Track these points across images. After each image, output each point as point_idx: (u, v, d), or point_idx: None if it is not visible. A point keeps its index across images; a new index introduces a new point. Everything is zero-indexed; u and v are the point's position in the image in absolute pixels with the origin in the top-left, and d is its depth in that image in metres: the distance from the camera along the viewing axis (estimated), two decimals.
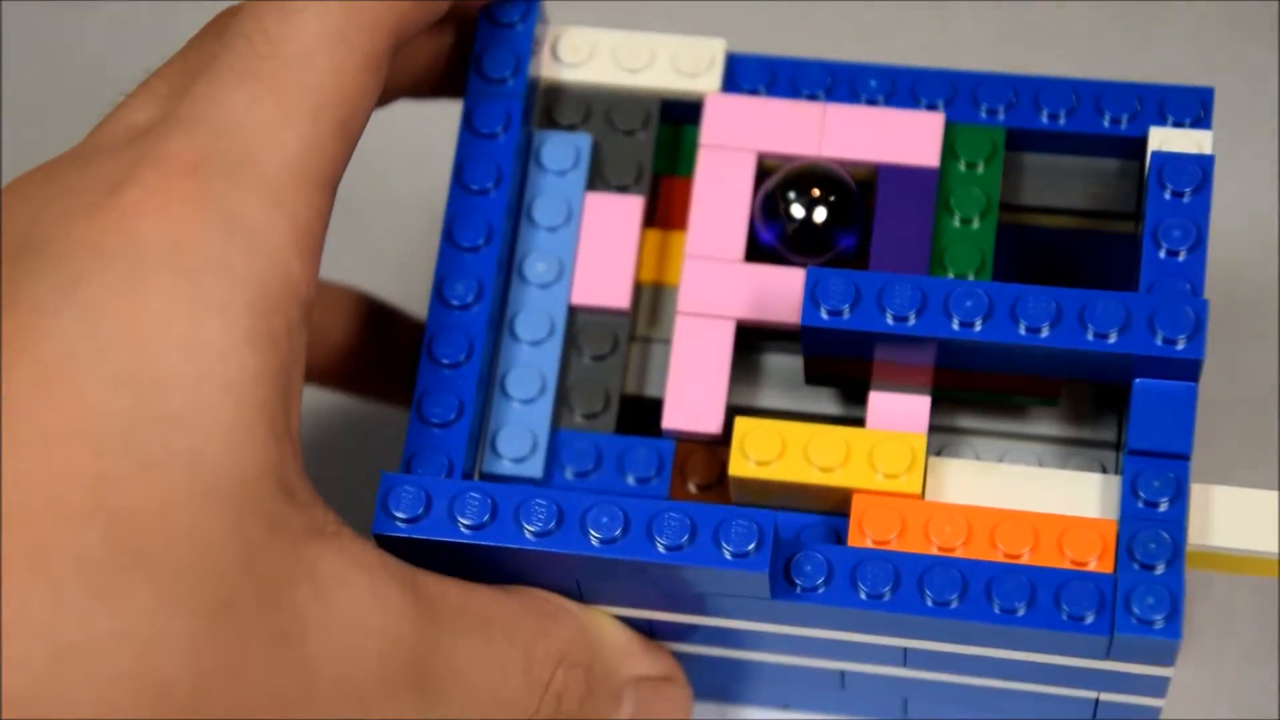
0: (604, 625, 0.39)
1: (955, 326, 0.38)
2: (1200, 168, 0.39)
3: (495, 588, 0.38)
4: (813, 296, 0.38)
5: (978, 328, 0.38)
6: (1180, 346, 0.37)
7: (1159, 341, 0.37)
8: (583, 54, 0.42)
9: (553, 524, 0.37)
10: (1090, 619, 0.37)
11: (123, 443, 0.33)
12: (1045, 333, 0.38)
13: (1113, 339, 0.37)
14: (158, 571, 0.33)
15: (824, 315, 0.38)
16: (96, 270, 0.34)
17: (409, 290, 0.50)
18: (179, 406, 0.33)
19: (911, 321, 0.38)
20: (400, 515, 0.37)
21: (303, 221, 0.36)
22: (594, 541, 0.37)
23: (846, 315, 0.38)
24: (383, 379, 0.47)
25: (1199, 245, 0.39)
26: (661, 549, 0.37)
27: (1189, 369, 0.38)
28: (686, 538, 0.37)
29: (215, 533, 0.33)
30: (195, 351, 0.34)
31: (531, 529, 0.37)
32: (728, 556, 0.37)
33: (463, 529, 0.37)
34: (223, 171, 0.35)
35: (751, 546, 0.37)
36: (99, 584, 0.32)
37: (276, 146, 0.36)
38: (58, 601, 0.32)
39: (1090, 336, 0.37)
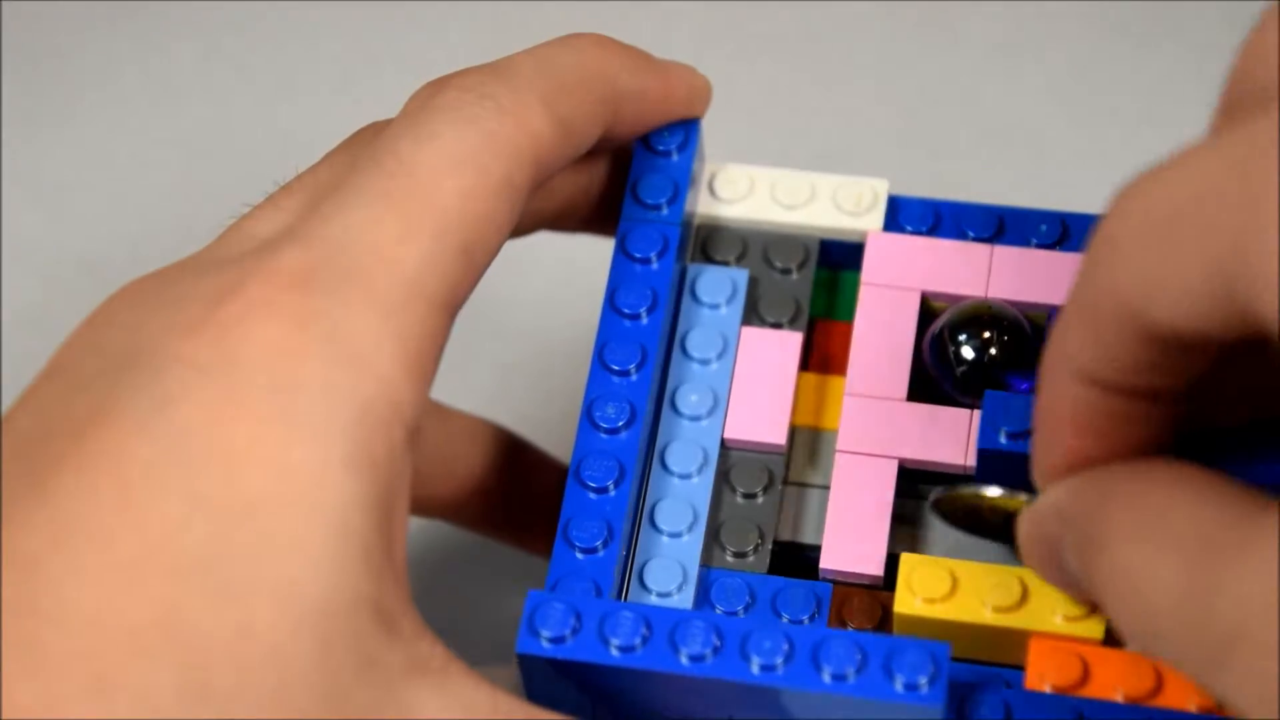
0: None
1: None
2: None
3: None
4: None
5: None
6: None
7: None
8: (740, 190, 0.41)
9: (710, 649, 0.35)
10: None
11: (203, 569, 0.31)
12: None
13: None
14: (229, 711, 0.30)
15: None
16: (191, 388, 0.32)
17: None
18: (265, 532, 0.31)
19: None
20: (547, 634, 0.35)
21: (413, 340, 0.34)
22: (755, 669, 0.34)
23: None
24: (517, 517, 0.45)
25: None
26: (827, 678, 0.34)
27: None
28: (854, 667, 0.34)
29: (299, 668, 0.31)
30: (286, 474, 0.32)
31: (688, 653, 0.35)
32: (899, 688, 0.34)
33: (613, 651, 0.35)
34: (331, 287, 0.33)
35: (924, 679, 0.34)
36: None
37: (392, 263, 0.34)
38: None
39: None
